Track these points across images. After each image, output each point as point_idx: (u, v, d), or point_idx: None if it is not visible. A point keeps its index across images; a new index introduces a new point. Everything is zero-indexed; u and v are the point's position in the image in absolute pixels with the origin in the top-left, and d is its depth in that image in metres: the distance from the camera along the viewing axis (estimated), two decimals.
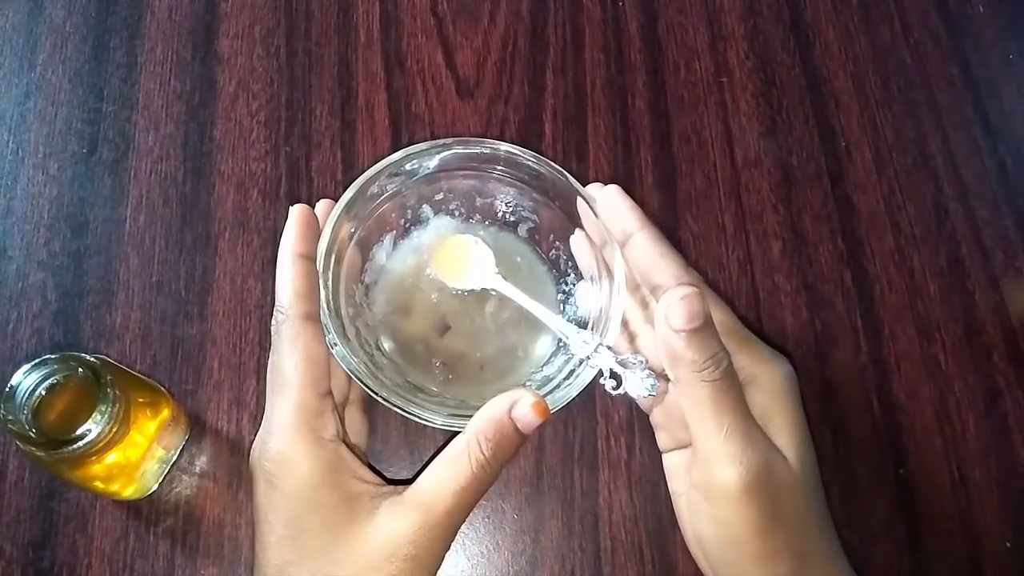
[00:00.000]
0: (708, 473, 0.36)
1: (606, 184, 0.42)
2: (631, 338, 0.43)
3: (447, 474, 0.36)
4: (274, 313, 0.38)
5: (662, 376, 0.42)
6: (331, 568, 0.35)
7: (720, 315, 0.39)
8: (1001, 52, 0.61)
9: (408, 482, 0.37)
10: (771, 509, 0.36)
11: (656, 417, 0.43)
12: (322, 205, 0.42)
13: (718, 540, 0.38)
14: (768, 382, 0.38)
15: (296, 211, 0.40)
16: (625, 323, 0.43)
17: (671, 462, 0.42)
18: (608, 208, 0.41)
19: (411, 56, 0.59)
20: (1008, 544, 0.48)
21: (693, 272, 0.39)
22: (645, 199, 0.56)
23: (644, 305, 0.43)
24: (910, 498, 0.49)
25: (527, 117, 0.58)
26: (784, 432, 0.38)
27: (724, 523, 0.37)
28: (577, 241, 0.45)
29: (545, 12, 0.61)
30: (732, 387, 0.36)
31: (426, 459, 0.48)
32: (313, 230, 0.40)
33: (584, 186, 0.43)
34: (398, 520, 0.35)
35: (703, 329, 0.35)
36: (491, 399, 0.37)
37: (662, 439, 0.43)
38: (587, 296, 0.45)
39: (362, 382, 0.38)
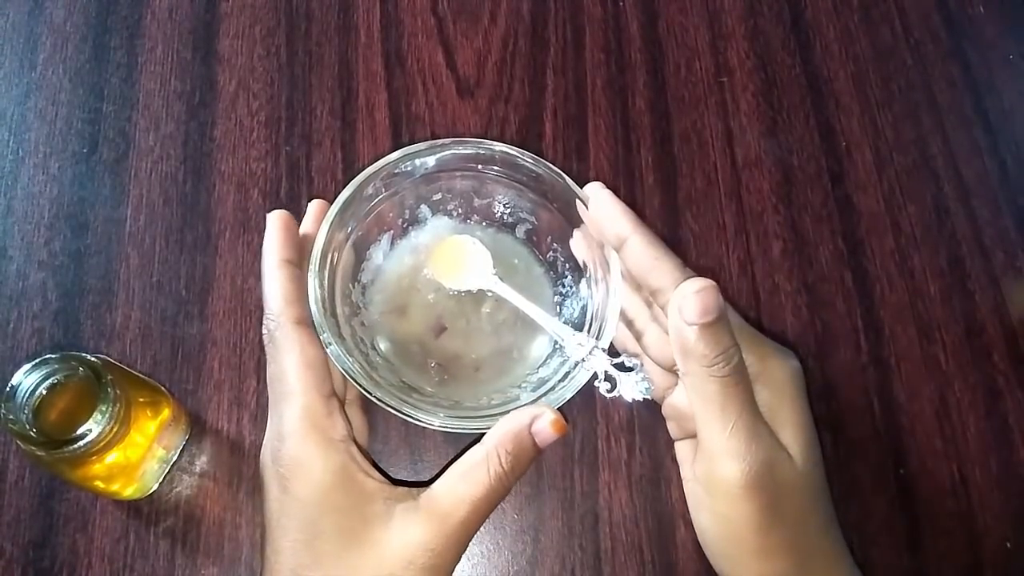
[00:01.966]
0: (711, 468, 0.36)
1: (604, 183, 0.42)
2: (638, 336, 0.43)
3: (464, 484, 0.36)
4: (264, 320, 0.38)
5: (671, 371, 0.42)
6: (347, 572, 0.35)
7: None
8: (1001, 52, 0.61)
9: (413, 483, 0.37)
10: (772, 507, 0.36)
11: (666, 409, 0.43)
12: (314, 205, 0.42)
13: (717, 533, 0.38)
14: (774, 379, 0.38)
15: (275, 217, 0.40)
16: (631, 322, 0.43)
17: (683, 450, 0.42)
18: (600, 212, 0.41)
19: (411, 56, 0.59)
20: (1008, 544, 0.48)
21: (691, 273, 0.39)
22: (645, 199, 0.56)
23: (649, 304, 0.43)
24: (910, 498, 0.49)
25: (527, 117, 0.58)
26: (789, 429, 0.38)
27: (724, 518, 0.37)
28: (576, 241, 0.45)
29: (545, 12, 0.61)
30: (741, 383, 0.36)
31: (426, 459, 0.49)
32: (294, 235, 0.40)
33: (583, 186, 0.43)
34: (415, 528, 0.35)
35: (716, 323, 0.35)
36: (509, 411, 0.37)
37: (672, 429, 0.43)
38: (586, 296, 0.45)
39: (356, 382, 0.38)
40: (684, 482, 0.42)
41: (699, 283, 0.35)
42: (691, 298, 0.35)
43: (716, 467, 0.36)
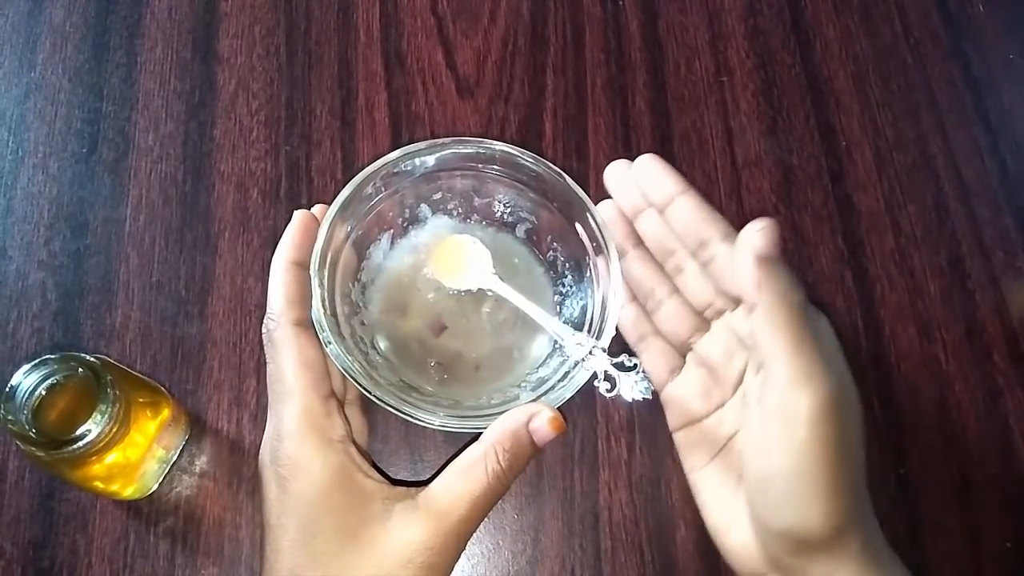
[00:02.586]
0: (792, 394, 0.34)
1: (635, 158, 0.41)
2: (653, 310, 0.43)
3: (462, 482, 0.36)
4: (264, 320, 0.38)
5: (680, 350, 0.41)
6: (346, 572, 0.35)
7: None
8: (1001, 52, 0.61)
9: (413, 483, 0.37)
10: (842, 438, 0.35)
11: (667, 396, 0.42)
12: (318, 209, 0.42)
13: (790, 470, 0.35)
14: (819, 331, 0.37)
15: (299, 217, 0.40)
16: (650, 292, 0.42)
17: (684, 439, 0.42)
18: (647, 175, 0.41)
19: (411, 55, 0.59)
20: (1008, 544, 0.48)
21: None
22: None
23: (678, 271, 0.42)
24: (910, 498, 0.49)
25: (527, 116, 0.58)
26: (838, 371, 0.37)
27: (800, 449, 0.35)
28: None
29: (545, 11, 0.61)
30: (807, 315, 0.36)
31: (426, 459, 0.49)
32: (311, 238, 0.40)
33: (582, 187, 0.43)
34: (414, 527, 0.35)
35: (781, 257, 0.36)
36: (508, 410, 0.37)
37: (673, 417, 0.42)
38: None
39: (356, 381, 0.38)
40: (689, 473, 0.40)
41: (764, 220, 0.36)
42: (761, 231, 0.36)
43: (794, 394, 0.34)
